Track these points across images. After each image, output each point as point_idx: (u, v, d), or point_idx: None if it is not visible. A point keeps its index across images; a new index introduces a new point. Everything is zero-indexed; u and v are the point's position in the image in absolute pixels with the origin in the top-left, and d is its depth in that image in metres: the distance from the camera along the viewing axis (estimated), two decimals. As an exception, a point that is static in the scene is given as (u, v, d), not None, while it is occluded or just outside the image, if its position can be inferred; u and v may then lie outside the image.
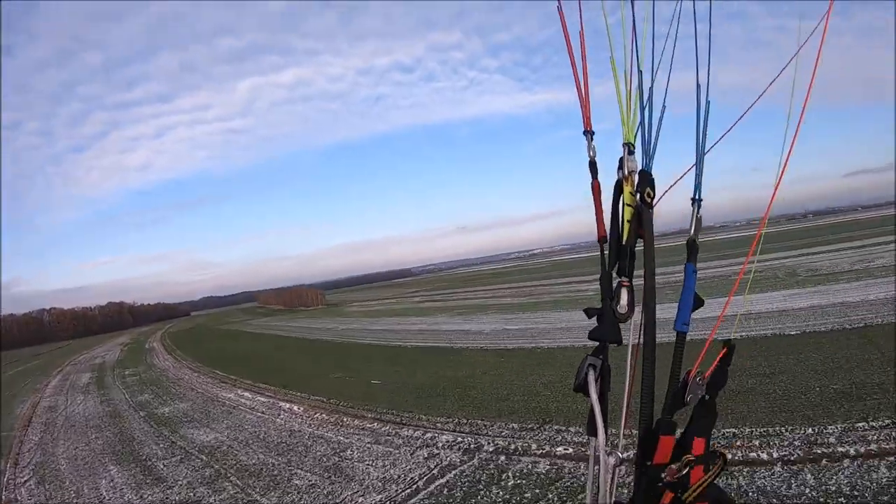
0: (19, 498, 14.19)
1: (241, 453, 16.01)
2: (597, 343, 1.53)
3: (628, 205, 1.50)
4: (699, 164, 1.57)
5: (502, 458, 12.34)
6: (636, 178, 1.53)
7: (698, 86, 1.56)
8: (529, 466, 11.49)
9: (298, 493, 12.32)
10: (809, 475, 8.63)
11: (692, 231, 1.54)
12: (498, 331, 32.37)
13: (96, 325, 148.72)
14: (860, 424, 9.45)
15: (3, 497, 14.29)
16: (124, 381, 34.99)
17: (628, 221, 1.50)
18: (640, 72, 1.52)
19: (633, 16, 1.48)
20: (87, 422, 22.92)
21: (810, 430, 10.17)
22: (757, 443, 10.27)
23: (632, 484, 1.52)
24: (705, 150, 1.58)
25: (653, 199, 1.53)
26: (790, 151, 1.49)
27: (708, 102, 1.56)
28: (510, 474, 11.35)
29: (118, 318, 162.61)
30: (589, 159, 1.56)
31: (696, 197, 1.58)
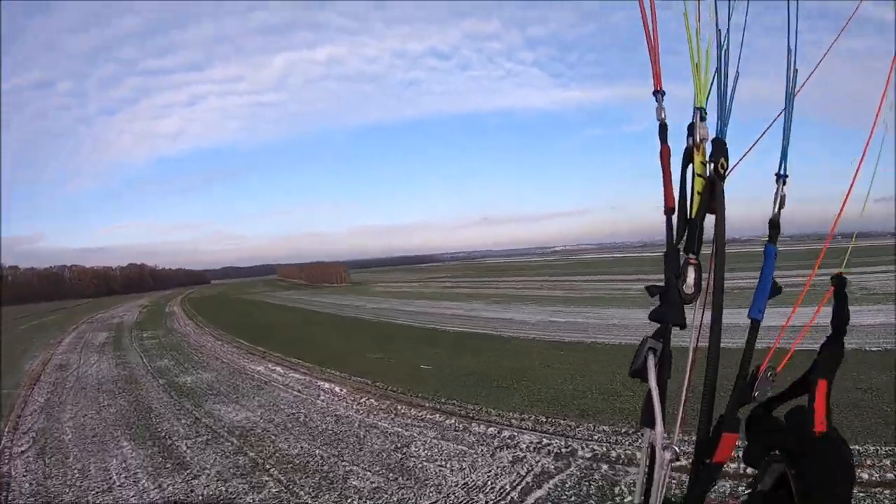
0: (13, 472, 12.80)
1: (281, 439, 14.40)
2: (658, 325, 1.47)
3: (699, 175, 1.47)
4: (786, 135, 1.54)
5: (604, 466, 11.13)
6: (708, 146, 1.49)
7: (788, 50, 1.56)
8: (665, 488, 9.86)
9: (360, 498, 10.47)
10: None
11: (775, 209, 1.55)
12: (545, 322, 32.78)
13: (116, 284, 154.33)
14: None
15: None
16: (142, 343, 34.34)
17: (698, 193, 1.47)
18: (717, 31, 1.50)
19: None
20: (100, 385, 21.84)
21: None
22: (888, 462, 9.81)
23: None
24: (790, 121, 1.55)
25: (726, 169, 1.49)
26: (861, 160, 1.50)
27: (796, 71, 1.55)
28: (624, 488, 10.10)
29: (139, 280, 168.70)
30: (659, 122, 1.49)
31: (781, 172, 1.55)
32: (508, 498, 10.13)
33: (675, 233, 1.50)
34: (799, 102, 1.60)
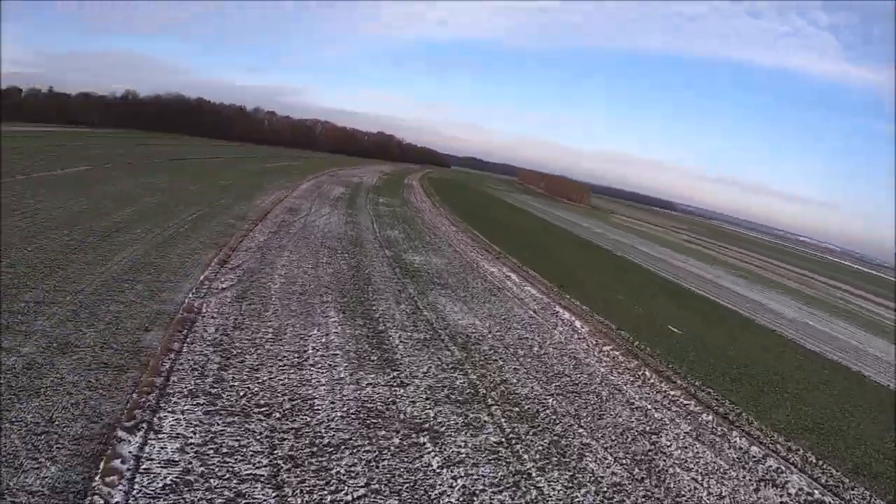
0: (204, 310, 11.77)
1: (509, 367, 11.95)
2: None
3: None
4: None
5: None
6: None
7: None
8: None
9: (596, 493, 7.62)
10: None
11: None
12: (800, 323, 27.63)
13: (363, 148, 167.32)
14: None
15: (187, 300, 12.06)
16: (376, 208, 34.47)
17: None
18: None
19: None
20: (324, 239, 21.32)
21: None
22: None
23: None
24: None
25: None
26: None
27: None
28: None
29: (384, 148, 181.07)
30: None
31: None
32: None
33: None
34: None
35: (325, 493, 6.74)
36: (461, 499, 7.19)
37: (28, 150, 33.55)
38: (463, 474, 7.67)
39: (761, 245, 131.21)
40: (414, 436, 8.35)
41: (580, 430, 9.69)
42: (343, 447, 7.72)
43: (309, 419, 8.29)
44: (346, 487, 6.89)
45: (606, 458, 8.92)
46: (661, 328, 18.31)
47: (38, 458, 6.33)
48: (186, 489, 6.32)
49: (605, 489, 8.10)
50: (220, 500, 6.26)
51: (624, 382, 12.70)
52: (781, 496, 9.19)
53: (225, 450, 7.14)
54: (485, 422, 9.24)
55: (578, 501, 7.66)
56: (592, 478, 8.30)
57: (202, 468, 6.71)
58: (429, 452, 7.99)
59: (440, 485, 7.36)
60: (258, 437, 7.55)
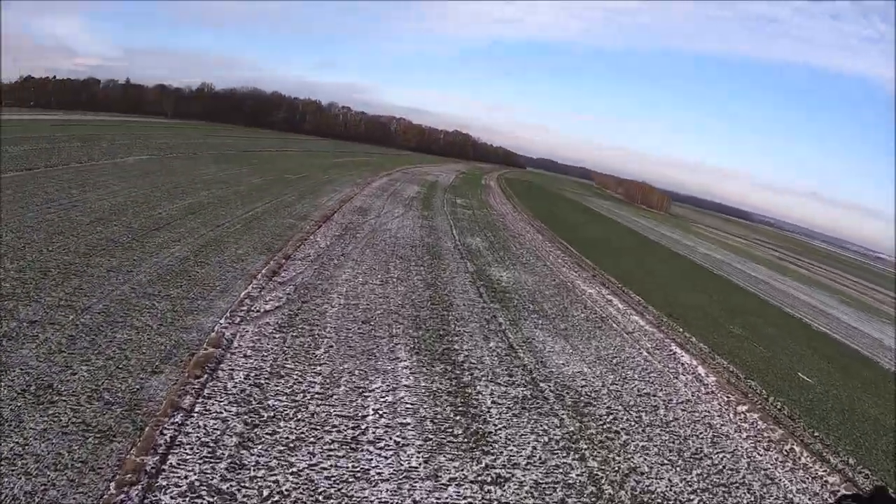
0: (235, 344, 9.06)
1: (635, 445, 8.95)
2: None
3: None
4: None
5: None
6: None
7: None
8: None
9: None
10: None
11: None
12: None
13: (437, 146, 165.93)
14: None
15: (217, 328, 9.31)
16: (454, 210, 31.56)
17: None
18: None
19: None
20: (395, 247, 18.53)
21: None
22: None
23: None
24: None
25: None
26: None
27: None
28: None
29: (460, 147, 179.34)
30: None
31: None
32: None
33: None
34: None
35: None
36: None
37: (92, 138, 32.31)
38: None
39: (843, 261, 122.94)
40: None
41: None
42: None
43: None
44: None
45: None
46: (791, 376, 14.95)
47: None
48: None
49: None
50: None
51: (774, 466, 9.53)
52: None
53: None
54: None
55: None
56: None
57: None
58: None
59: None
60: None
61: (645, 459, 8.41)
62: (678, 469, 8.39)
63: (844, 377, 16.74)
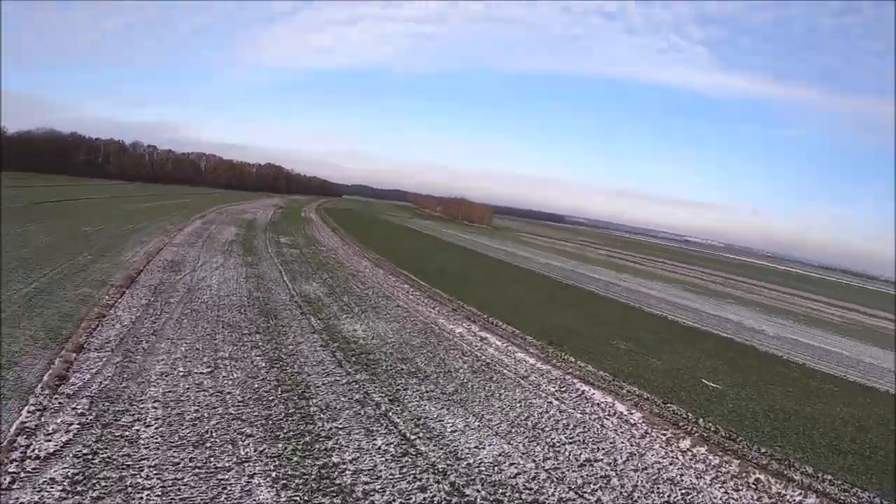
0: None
1: None
2: None
3: None
4: None
5: None
6: None
7: None
8: None
9: None
10: None
11: None
12: (787, 339, 24.86)
13: (251, 181, 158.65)
14: None
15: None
16: (280, 251, 28.09)
17: None
18: None
19: None
20: (220, 311, 15.09)
21: None
22: None
23: None
24: None
25: None
26: None
27: None
28: None
29: (273, 181, 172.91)
30: None
31: None
32: None
33: None
34: None
35: None
36: None
37: None
38: None
39: (661, 249, 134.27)
40: None
41: None
42: None
43: None
44: None
45: None
46: (698, 386, 14.09)
47: None
48: None
49: None
50: None
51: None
52: None
53: None
54: None
55: None
56: None
57: None
58: None
59: None
60: None
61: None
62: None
63: (740, 373, 16.26)
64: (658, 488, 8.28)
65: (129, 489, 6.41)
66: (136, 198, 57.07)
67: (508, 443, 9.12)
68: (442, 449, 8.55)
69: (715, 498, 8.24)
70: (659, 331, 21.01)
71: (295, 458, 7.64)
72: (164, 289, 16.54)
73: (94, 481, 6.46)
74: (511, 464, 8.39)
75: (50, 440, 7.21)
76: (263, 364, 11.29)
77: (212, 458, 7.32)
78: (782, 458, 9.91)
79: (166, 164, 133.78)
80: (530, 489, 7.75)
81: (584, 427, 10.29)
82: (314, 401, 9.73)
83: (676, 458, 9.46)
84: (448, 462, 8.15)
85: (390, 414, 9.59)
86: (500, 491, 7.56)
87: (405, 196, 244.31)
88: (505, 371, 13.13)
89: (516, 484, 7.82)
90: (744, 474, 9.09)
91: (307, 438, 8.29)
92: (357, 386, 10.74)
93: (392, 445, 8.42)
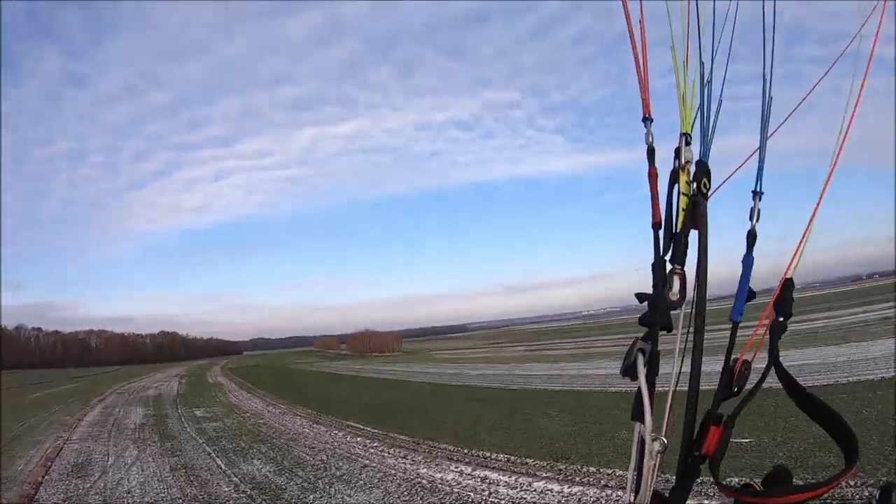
0: None
1: None
2: (647, 328, 1.66)
3: (684, 194, 1.69)
4: (762, 154, 1.83)
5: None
6: (692, 168, 1.71)
7: (764, 78, 1.85)
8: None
9: None
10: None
11: (752, 222, 1.81)
12: None
13: (146, 353, 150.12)
14: None
15: None
16: (200, 427, 24.35)
17: (683, 210, 1.68)
18: (700, 63, 1.77)
19: (696, 5, 1.76)
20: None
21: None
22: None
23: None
24: (766, 138, 1.84)
25: (709, 189, 1.72)
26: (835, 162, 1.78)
27: (770, 98, 1.84)
28: None
29: (170, 349, 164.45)
30: (647, 146, 1.72)
31: (757, 189, 1.82)
32: None
33: (661, 246, 1.70)
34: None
35: None
36: None
37: None
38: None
39: (567, 330, 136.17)
40: None
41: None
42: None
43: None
44: None
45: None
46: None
47: None
48: None
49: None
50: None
51: None
52: None
53: None
54: None
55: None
56: None
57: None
58: None
59: None
60: None
61: None
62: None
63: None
64: None
65: None
66: (23, 388, 50.79)
67: None
68: None
69: None
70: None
71: None
72: (72, 507, 12.99)
73: None
74: None
75: None
76: None
77: None
78: None
79: (56, 347, 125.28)
80: None
81: None
82: None
83: None
84: None
85: None
86: None
87: (305, 341, 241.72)
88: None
89: None
90: None
91: None
92: None
93: None
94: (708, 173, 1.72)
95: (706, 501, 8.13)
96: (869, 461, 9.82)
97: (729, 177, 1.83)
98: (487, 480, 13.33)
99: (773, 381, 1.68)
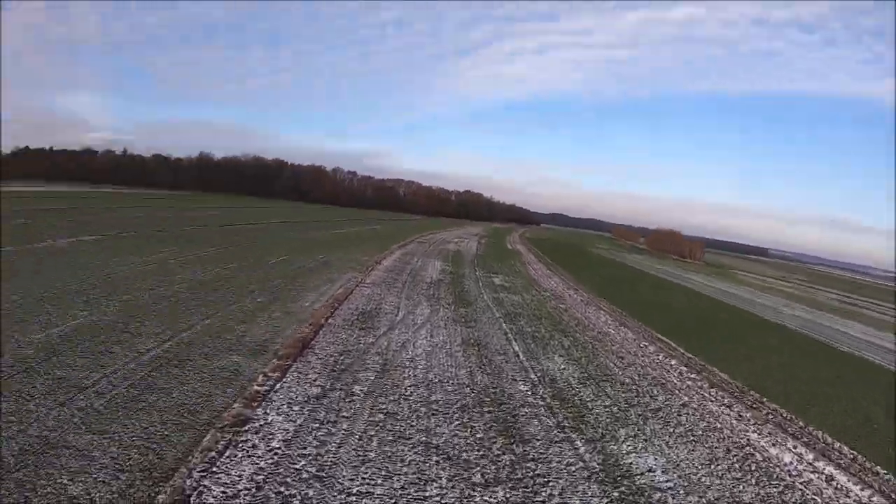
0: None
1: None
2: None
3: None
4: None
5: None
6: None
7: None
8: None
9: None
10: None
11: None
12: None
13: (450, 208, 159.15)
14: None
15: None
16: (498, 298, 22.43)
17: None
18: None
19: None
20: (429, 423, 9.72)
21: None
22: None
23: None
24: None
25: None
26: None
27: None
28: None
29: (472, 207, 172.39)
30: None
31: None
32: None
33: None
34: None
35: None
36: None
37: (51, 214, 27.98)
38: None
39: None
40: None
41: None
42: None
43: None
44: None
45: None
46: None
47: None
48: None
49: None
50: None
51: None
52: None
53: None
54: None
55: None
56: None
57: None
58: None
59: None
60: None
61: None
62: None
63: None
64: None
65: None
66: (332, 223, 55.52)
67: None
68: None
69: None
70: None
71: None
72: (347, 365, 11.33)
73: None
74: None
75: None
76: None
77: None
78: None
79: (366, 190, 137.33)
80: None
81: None
82: None
83: None
84: None
85: None
86: None
87: (601, 226, 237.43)
88: None
89: None
90: None
91: None
92: None
93: None
94: None
95: None
96: None
97: None
98: (835, 484, 8.57)
99: None
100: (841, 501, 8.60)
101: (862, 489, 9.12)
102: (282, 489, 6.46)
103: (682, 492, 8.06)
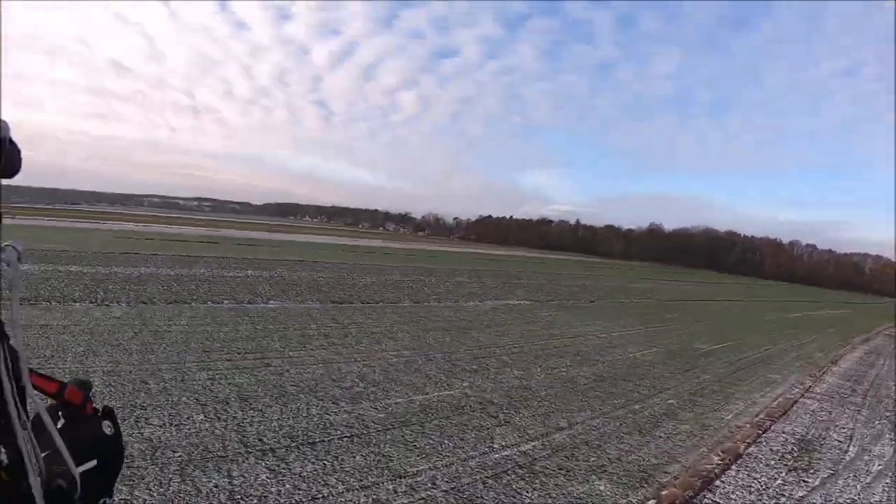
0: None
1: None
2: None
3: None
4: None
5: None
6: None
7: None
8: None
9: None
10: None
11: None
12: None
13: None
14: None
15: None
16: None
17: None
18: None
19: None
20: None
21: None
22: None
23: None
24: None
25: None
26: None
27: None
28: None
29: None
30: None
31: None
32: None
33: None
34: None
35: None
36: None
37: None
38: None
39: None
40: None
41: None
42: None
43: None
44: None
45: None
46: None
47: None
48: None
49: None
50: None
51: None
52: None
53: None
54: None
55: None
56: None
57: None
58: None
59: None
60: None
61: None
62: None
63: None
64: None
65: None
66: (781, 304, 49.55)
67: None
68: None
69: None
70: None
71: None
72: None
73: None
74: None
75: None
76: None
77: None
78: None
79: (827, 266, 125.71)
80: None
81: None
82: None
83: None
84: None
85: None
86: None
87: None
88: None
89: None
90: None
91: None
92: None
93: None
94: None
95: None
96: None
97: None
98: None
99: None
100: None
101: None
102: None
103: None
